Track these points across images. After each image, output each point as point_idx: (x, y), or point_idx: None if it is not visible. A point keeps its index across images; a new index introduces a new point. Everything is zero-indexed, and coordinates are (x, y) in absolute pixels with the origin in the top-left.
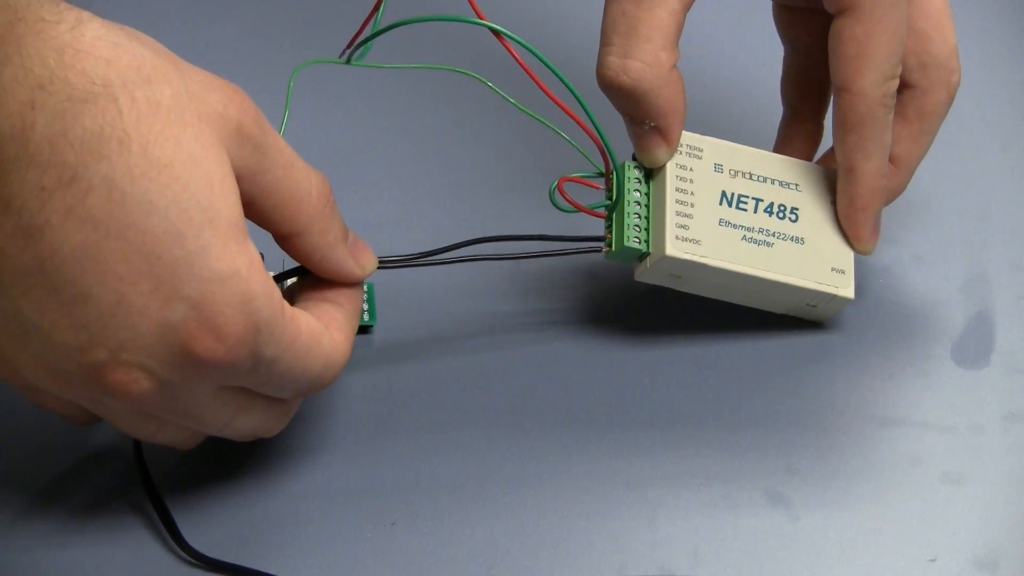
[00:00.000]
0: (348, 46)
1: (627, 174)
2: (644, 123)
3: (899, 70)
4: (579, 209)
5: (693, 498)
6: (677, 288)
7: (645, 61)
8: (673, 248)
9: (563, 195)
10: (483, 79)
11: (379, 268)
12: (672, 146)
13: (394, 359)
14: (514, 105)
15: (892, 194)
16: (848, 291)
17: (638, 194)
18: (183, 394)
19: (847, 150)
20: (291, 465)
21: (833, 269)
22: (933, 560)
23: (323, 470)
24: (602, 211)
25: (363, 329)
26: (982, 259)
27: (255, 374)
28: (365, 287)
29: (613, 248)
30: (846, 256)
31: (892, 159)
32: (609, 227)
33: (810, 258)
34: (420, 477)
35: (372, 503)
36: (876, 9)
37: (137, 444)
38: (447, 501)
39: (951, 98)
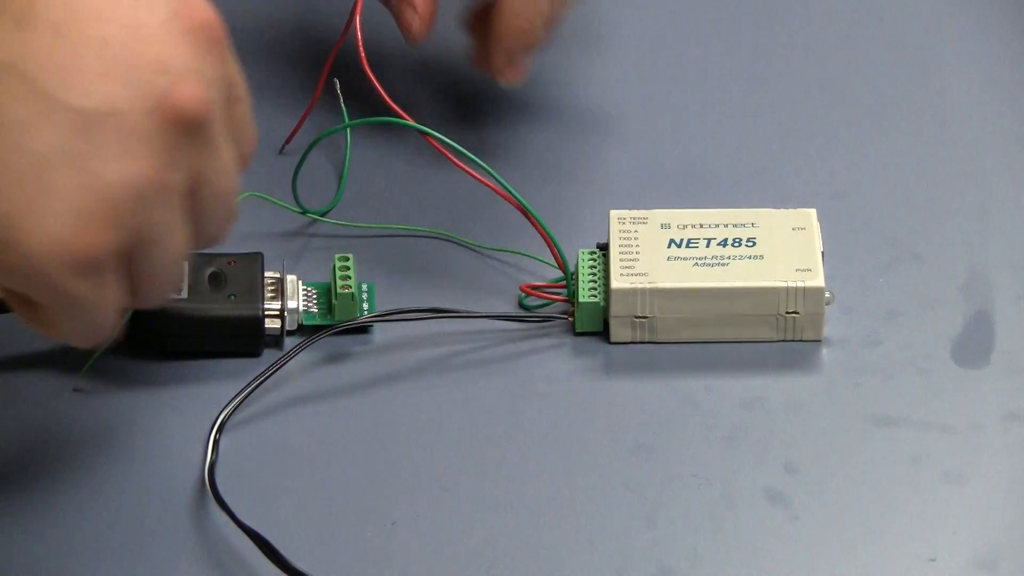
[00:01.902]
0: (287, 141)
1: (582, 259)
2: None
3: None
4: (546, 299)
5: (693, 498)
6: (653, 339)
7: None
8: (618, 282)
9: (530, 293)
10: (452, 235)
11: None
12: (418, 11)
13: (394, 359)
14: (482, 250)
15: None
16: (817, 280)
17: (594, 271)
18: (218, 100)
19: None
20: (292, 464)
21: (798, 269)
22: (933, 560)
23: (323, 469)
24: (565, 297)
25: (364, 329)
26: (982, 259)
27: (235, 73)
28: (366, 287)
29: (576, 314)
30: (812, 257)
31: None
32: (573, 305)
33: (772, 266)
34: (420, 477)
35: (372, 503)
36: None
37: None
38: (447, 501)
39: None
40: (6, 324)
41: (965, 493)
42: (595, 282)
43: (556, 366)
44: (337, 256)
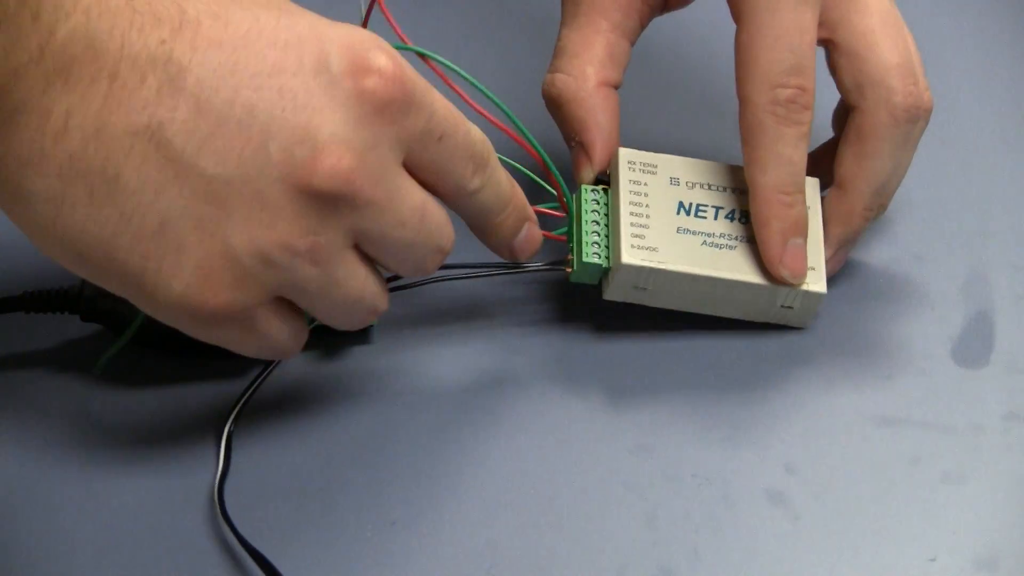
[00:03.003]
0: None
1: (584, 196)
2: (572, 139)
3: (793, 80)
4: (544, 235)
5: (693, 498)
6: (647, 303)
7: (570, 73)
8: (629, 256)
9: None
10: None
11: None
12: (595, 163)
13: (394, 359)
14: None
15: (848, 220)
16: (819, 286)
17: (596, 215)
18: (379, 164)
19: (745, 163)
20: (291, 465)
21: None
22: (933, 560)
23: (323, 470)
24: (563, 236)
25: (363, 329)
26: (982, 259)
27: (426, 123)
28: None
29: (575, 267)
30: (816, 253)
31: (837, 180)
32: (571, 250)
33: None
34: (420, 477)
35: (372, 503)
36: (758, 16)
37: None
38: (447, 501)
39: (895, 119)
40: (6, 324)
41: (965, 493)
42: (598, 233)
43: (556, 365)
44: None
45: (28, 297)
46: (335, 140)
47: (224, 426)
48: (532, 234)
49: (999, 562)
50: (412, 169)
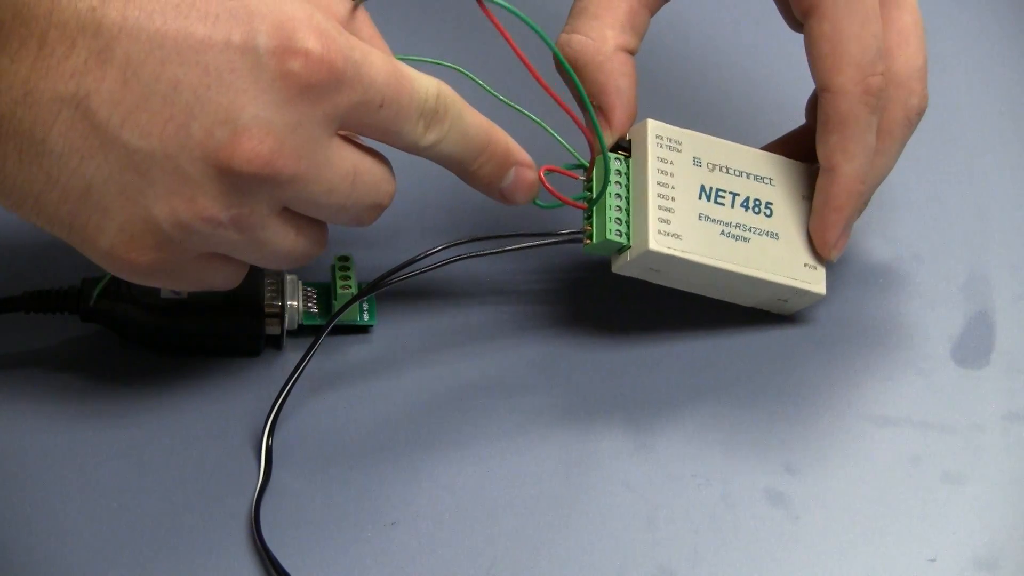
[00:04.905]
0: None
1: (609, 165)
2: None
3: (880, 67)
4: (561, 200)
5: (693, 498)
6: (653, 281)
7: (589, 35)
8: (656, 243)
9: (545, 185)
10: (466, 72)
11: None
12: (615, 128)
13: (394, 359)
14: (498, 99)
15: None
16: (820, 287)
17: (619, 186)
18: (304, 140)
19: (828, 150)
20: (292, 464)
21: (806, 265)
22: (933, 560)
23: (323, 470)
24: (582, 203)
25: (363, 329)
26: (982, 259)
27: (362, 95)
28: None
29: (594, 240)
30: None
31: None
32: (589, 219)
33: (784, 254)
34: (420, 477)
35: (372, 503)
36: (838, 6)
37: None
38: (447, 501)
39: (909, 121)
40: (6, 324)
41: (965, 493)
42: (620, 208)
43: (555, 366)
44: (336, 256)
45: (28, 297)
46: (256, 123)
47: (261, 443)
48: (522, 177)
49: (999, 562)
50: (356, 132)
